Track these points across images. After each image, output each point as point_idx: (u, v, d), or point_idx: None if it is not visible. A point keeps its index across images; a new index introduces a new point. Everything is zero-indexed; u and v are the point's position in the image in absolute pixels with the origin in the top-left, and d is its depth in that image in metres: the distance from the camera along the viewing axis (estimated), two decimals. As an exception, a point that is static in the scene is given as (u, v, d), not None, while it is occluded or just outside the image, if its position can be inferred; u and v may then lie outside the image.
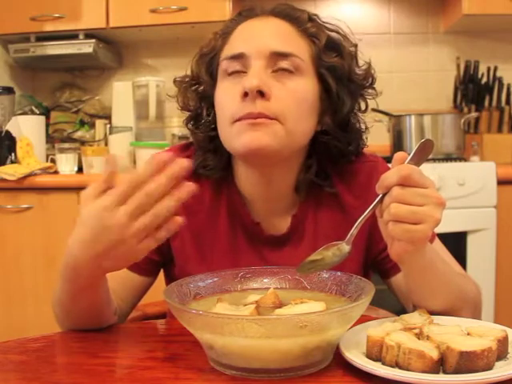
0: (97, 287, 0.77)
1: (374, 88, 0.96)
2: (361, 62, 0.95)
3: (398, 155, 0.74)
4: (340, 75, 0.91)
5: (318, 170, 0.95)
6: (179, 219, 0.68)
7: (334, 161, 0.95)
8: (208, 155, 0.95)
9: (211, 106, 0.93)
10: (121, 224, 0.65)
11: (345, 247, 0.76)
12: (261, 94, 0.84)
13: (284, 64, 0.87)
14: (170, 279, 0.99)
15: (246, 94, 0.84)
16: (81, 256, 0.69)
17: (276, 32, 0.90)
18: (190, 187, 0.67)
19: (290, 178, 0.94)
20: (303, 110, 0.88)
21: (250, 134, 0.84)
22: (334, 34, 0.93)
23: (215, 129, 0.92)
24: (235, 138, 0.86)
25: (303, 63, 0.88)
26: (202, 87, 0.94)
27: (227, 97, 0.88)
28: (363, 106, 0.97)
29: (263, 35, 0.89)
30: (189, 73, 0.97)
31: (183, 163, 0.66)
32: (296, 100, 0.87)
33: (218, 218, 0.95)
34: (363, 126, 0.97)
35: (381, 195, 0.73)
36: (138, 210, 0.65)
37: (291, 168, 0.93)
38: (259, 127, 0.84)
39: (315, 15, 0.94)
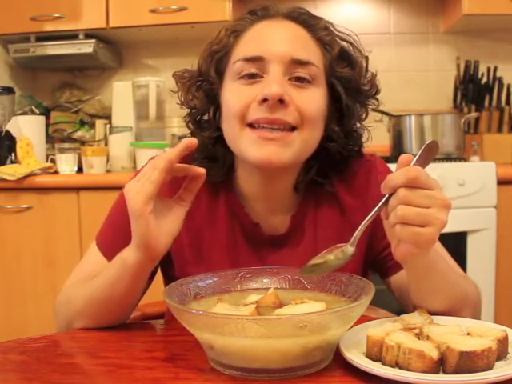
0: (146, 271, 0.81)
1: (377, 98, 0.97)
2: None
3: (403, 157, 0.73)
4: (350, 86, 0.92)
5: (318, 170, 0.95)
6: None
7: (334, 162, 0.96)
8: (209, 164, 0.92)
9: (216, 105, 0.92)
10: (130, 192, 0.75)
11: (349, 249, 0.76)
12: (280, 101, 0.83)
13: (301, 73, 0.87)
14: (168, 279, 0.99)
15: (264, 100, 0.83)
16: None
17: (295, 37, 0.89)
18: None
19: (291, 178, 0.94)
20: (318, 119, 0.89)
21: (266, 149, 0.84)
22: (346, 45, 0.93)
23: (219, 129, 0.92)
24: (247, 146, 0.86)
25: (318, 72, 0.88)
26: (208, 85, 0.93)
27: (239, 99, 0.87)
28: (364, 114, 0.97)
29: (282, 40, 0.88)
30: (190, 68, 0.95)
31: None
32: (313, 109, 0.87)
33: (216, 220, 0.95)
34: (364, 130, 0.97)
35: (386, 196, 0.72)
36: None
37: (294, 169, 0.93)
38: (276, 142, 0.84)
39: (330, 23, 0.94)
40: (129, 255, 0.78)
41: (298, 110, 0.85)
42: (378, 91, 0.96)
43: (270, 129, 0.84)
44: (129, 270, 0.79)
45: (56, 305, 0.91)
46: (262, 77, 0.86)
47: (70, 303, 0.88)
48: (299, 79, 0.87)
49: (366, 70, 0.94)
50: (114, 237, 0.92)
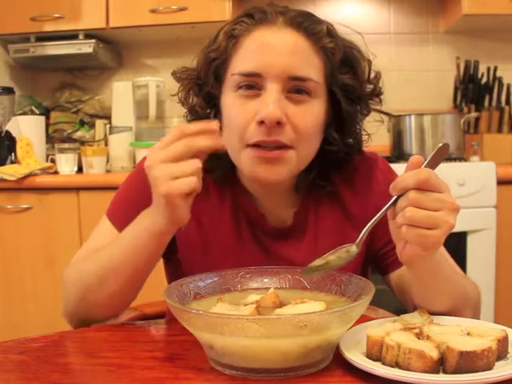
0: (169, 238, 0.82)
1: (380, 99, 0.96)
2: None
3: (414, 159, 0.72)
4: (351, 93, 0.91)
5: (318, 170, 0.95)
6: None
7: (333, 162, 0.96)
8: (214, 161, 0.91)
9: (217, 109, 0.92)
10: (153, 162, 0.73)
11: (354, 249, 0.76)
12: (277, 123, 0.83)
13: (300, 87, 0.86)
14: (171, 266, 1.00)
15: (262, 122, 0.83)
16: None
17: (294, 51, 0.85)
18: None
19: (291, 181, 0.95)
20: (314, 133, 0.88)
21: (265, 169, 0.85)
22: (348, 50, 0.91)
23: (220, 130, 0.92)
24: (247, 164, 0.87)
25: (318, 86, 0.87)
26: (207, 89, 0.92)
27: (238, 114, 0.86)
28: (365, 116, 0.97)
29: (281, 54, 0.85)
30: (189, 66, 0.95)
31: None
32: (310, 125, 0.87)
33: (222, 209, 0.96)
34: (364, 129, 0.97)
35: (395, 197, 0.72)
36: (172, 157, 0.72)
37: (292, 176, 0.93)
38: (273, 161, 0.85)
39: (332, 26, 0.91)
40: (153, 224, 0.78)
41: (294, 127, 0.85)
42: (380, 92, 0.95)
43: (267, 148, 0.85)
44: (155, 237, 0.79)
45: (65, 281, 0.91)
46: (260, 90, 0.85)
47: (82, 278, 0.87)
48: (297, 91, 0.86)
49: (369, 72, 0.93)
50: (127, 211, 0.91)
